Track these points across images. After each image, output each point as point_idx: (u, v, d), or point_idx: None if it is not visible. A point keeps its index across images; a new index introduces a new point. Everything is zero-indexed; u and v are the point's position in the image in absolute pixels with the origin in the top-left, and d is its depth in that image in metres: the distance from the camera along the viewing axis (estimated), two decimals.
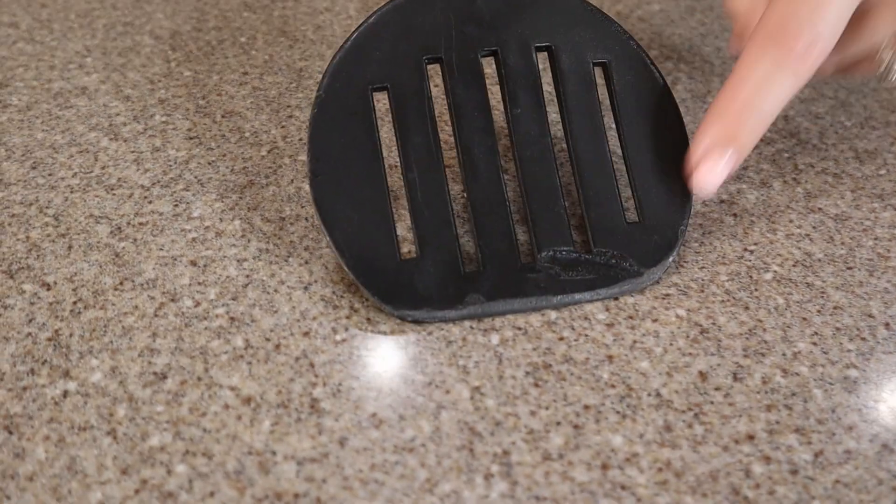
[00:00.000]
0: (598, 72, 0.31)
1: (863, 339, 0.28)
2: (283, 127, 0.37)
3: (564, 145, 0.31)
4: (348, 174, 0.29)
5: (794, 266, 0.31)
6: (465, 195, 0.30)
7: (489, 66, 0.32)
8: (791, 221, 0.33)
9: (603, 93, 0.31)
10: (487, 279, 0.29)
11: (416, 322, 0.28)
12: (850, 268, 0.31)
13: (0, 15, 0.45)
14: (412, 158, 0.29)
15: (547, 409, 0.26)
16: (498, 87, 0.31)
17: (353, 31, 0.30)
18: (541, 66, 0.31)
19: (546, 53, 0.31)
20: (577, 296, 0.29)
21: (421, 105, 0.30)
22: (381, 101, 0.31)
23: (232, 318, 0.28)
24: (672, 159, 0.31)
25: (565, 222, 0.30)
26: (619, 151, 0.31)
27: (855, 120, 0.39)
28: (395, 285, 0.28)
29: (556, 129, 0.32)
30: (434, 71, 0.31)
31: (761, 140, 0.37)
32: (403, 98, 0.30)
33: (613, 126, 0.31)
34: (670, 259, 0.30)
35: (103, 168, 0.35)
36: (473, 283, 0.28)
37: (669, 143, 0.31)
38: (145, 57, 0.42)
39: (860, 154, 0.37)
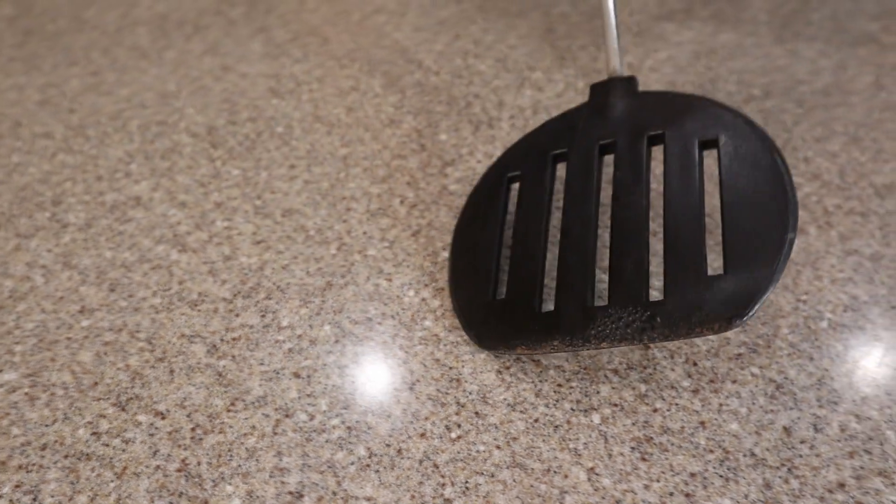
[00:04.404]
0: (706, 146, 0.34)
1: None
2: (344, 221, 0.39)
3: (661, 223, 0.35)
4: (472, 230, 0.36)
5: (844, 311, 0.34)
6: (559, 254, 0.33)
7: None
8: (833, 266, 0.36)
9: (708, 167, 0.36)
10: (563, 318, 0.31)
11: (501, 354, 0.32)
12: (893, 307, 0.34)
13: (32, 125, 0.46)
14: (522, 224, 0.35)
15: (658, 481, 0.28)
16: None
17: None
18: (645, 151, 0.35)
19: (656, 140, 0.35)
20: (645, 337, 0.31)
21: (540, 196, 0.35)
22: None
23: (349, 428, 0.30)
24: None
25: (637, 286, 0.32)
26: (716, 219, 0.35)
27: (868, 155, 0.42)
28: (487, 325, 0.32)
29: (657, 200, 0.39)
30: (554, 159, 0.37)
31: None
32: (528, 187, 0.36)
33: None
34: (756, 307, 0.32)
35: (181, 283, 0.36)
36: (553, 323, 0.31)
37: (771, 208, 0.33)
38: (189, 158, 0.43)
39: (879, 189, 0.40)
